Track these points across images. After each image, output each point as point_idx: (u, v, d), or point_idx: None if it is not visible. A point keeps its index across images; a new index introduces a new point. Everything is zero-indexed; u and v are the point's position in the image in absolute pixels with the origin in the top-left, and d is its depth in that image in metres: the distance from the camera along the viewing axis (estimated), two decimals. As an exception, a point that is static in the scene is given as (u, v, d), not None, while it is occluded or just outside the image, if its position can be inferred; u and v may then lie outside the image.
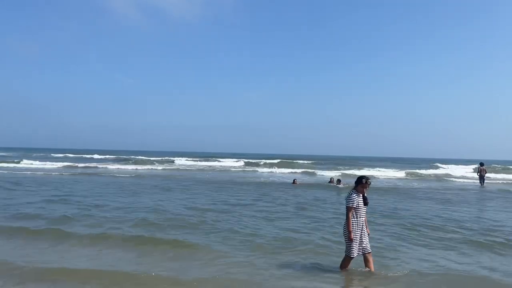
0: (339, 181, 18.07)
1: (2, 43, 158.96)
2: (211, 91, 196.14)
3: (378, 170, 29.81)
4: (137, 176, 21.37)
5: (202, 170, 30.12)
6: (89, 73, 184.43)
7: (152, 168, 30.15)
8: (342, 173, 25.64)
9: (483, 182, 19.54)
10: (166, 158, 45.84)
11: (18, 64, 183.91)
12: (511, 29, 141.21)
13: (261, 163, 39.05)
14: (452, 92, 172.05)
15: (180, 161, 41.46)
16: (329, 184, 17.99)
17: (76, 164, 31.24)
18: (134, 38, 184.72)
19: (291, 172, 27.58)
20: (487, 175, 20.59)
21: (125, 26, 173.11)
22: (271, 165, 34.66)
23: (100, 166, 30.63)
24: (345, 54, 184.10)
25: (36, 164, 31.89)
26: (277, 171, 29.19)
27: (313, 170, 29.09)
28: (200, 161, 43.58)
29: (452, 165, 41.15)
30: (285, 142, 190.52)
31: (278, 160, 41.95)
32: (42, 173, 22.31)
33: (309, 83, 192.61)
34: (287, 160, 44.68)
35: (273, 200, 11.58)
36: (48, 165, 31.13)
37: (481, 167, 19.79)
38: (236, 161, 43.10)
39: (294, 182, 17.80)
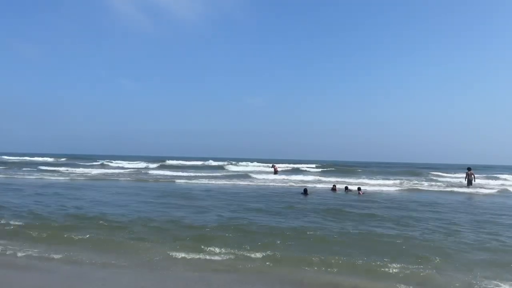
0: (346, 188, 18.57)
1: (2, 45, 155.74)
2: (214, 95, 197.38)
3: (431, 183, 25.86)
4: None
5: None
6: (89, 76, 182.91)
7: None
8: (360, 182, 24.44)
9: (471, 184, 22.21)
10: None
11: (18, 67, 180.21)
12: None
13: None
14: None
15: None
16: (340, 191, 18.06)
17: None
18: (137, 40, 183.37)
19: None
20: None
21: (127, 27, 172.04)
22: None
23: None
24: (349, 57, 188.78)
25: None
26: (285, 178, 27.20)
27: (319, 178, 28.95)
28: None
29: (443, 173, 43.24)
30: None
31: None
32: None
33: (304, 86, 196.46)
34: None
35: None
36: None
37: (469, 172, 22.45)
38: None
39: (305, 192, 16.74)
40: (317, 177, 28.94)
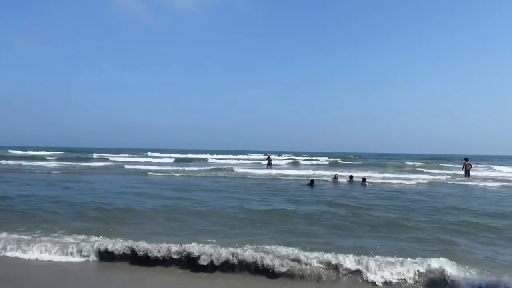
0: (351, 177, 17.95)
1: (3, 40, 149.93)
2: (216, 87, 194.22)
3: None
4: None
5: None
6: (88, 69, 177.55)
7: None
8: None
9: (468, 175, 22.31)
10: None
11: (19, 62, 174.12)
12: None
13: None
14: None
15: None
16: (337, 181, 17.63)
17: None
18: (137, 32, 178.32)
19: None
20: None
21: (127, 19, 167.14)
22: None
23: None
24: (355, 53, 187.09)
25: None
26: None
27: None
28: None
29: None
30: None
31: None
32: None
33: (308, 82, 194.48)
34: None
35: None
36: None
37: (466, 162, 22.66)
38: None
39: (311, 183, 15.97)
40: (319, 171, 26.83)
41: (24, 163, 32.00)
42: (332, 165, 37.69)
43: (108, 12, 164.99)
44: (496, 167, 33.08)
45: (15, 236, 6.33)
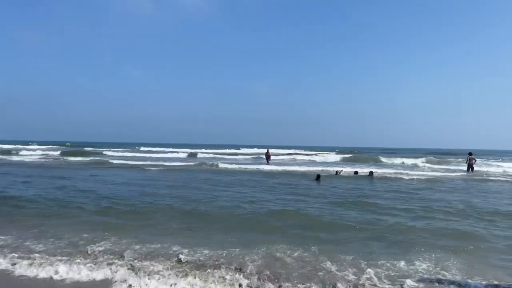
0: (356, 173, 18.35)
1: (6, 33, 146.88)
2: (219, 82, 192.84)
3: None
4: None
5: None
6: (94, 64, 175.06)
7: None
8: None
9: (472, 170, 22.29)
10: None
11: (19, 55, 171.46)
12: None
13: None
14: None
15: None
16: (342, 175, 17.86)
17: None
18: (140, 25, 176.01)
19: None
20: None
21: (132, 14, 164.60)
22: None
23: None
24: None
25: None
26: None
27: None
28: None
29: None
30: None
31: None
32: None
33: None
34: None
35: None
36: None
37: (470, 157, 22.67)
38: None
39: (318, 178, 15.55)
40: (320, 166, 26.27)
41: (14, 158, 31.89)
42: (337, 160, 36.69)
43: (109, 6, 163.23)
44: (500, 163, 32.32)
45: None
